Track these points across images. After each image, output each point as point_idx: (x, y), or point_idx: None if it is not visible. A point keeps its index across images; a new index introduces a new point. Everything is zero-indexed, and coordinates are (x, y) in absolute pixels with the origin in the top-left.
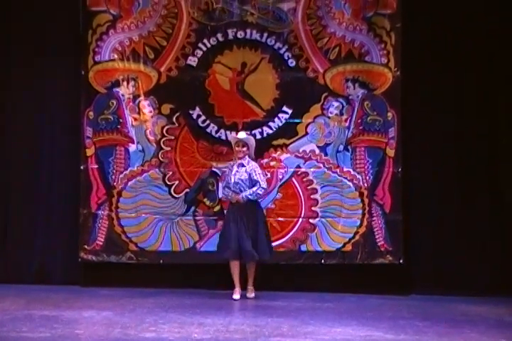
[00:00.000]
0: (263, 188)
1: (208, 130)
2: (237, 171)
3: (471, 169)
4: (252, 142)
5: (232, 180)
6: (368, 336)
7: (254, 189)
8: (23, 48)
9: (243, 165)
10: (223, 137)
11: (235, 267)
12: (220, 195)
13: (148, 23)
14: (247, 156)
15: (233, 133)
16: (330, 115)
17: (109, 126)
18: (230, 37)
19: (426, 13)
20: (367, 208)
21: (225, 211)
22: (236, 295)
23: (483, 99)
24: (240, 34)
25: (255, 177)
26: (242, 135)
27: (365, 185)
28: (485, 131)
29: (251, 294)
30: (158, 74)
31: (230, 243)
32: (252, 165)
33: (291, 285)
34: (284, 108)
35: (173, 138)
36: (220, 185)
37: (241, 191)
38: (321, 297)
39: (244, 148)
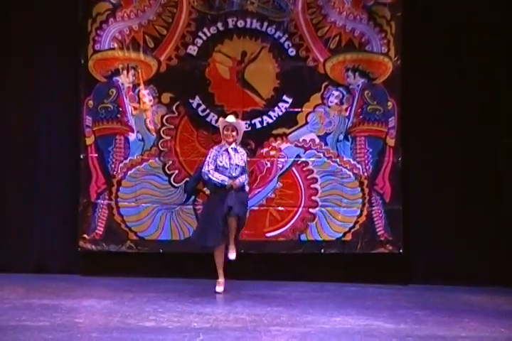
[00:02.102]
0: (247, 180)
1: (208, 119)
2: (234, 155)
3: (472, 158)
4: (242, 126)
5: (229, 165)
6: (367, 325)
7: (245, 177)
8: (23, 37)
9: (237, 151)
10: None
11: (219, 256)
12: (212, 178)
13: (148, 11)
14: (235, 142)
15: (229, 116)
16: (330, 104)
17: (108, 115)
18: (230, 26)
19: (426, 2)
20: (367, 198)
21: (208, 197)
22: (219, 288)
23: (485, 88)
24: (240, 23)
25: (245, 167)
26: (231, 119)
27: (365, 174)
28: (486, 121)
29: (232, 254)
30: (158, 63)
31: (213, 229)
32: (244, 154)
33: (291, 274)
34: (284, 97)
35: (172, 127)
36: (206, 168)
37: (236, 176)
38: (321, 286)
39: (234, 133)
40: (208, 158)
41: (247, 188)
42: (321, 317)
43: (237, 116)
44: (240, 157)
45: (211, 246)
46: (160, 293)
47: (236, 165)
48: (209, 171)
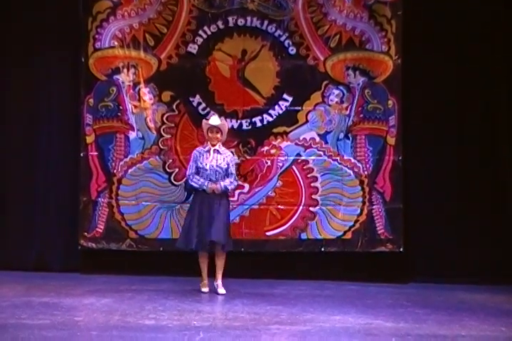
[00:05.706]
0: (237, 181)
1: (208, 117)
2: (214, 158)
3: (472, 156)
4: (226, 127)
5: (208, 167)
6: (367, 324)
7: (232, 180)
8: (23, 35)
9: (219, 152)
10: None
11: (203, 261)
12: (191, 183)
13: (149, 10)
14: (220, 143)
15: (213, 118)
16: (330, 103)
17: (109, 113)
18: (231, 24)
19: (427, 1)
20: (367, 196)
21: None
22: (205, 289)
23: (486, 86)
24: (241, 21)
25: (231, 170)
26: (215, 121)
27: (366, 173)
28: (488, 119)
29: (221, 289)
30: (158, 61)
31: (198, 234)
32: (229, 155)
33: (291, 273)
34: (285, 95)
35: (173, 125)
36: (188, 172)
37: (216, 179)
38: (321, 285)
39: (219, 135)
40: (190, 162)
41: (233, 188)
42: (321, 316)
43: (237, 117)
44: (222, 158)
45: (196, 250)
46: (160, 292)
47: (217, 167)
48: (189, 175)
